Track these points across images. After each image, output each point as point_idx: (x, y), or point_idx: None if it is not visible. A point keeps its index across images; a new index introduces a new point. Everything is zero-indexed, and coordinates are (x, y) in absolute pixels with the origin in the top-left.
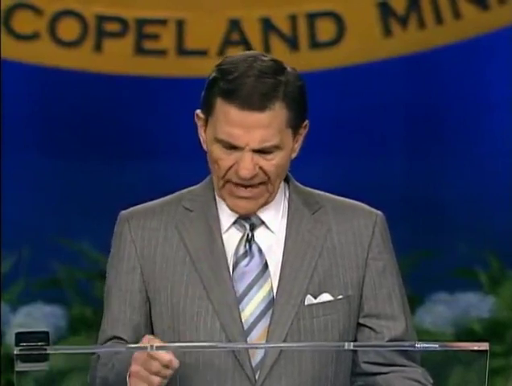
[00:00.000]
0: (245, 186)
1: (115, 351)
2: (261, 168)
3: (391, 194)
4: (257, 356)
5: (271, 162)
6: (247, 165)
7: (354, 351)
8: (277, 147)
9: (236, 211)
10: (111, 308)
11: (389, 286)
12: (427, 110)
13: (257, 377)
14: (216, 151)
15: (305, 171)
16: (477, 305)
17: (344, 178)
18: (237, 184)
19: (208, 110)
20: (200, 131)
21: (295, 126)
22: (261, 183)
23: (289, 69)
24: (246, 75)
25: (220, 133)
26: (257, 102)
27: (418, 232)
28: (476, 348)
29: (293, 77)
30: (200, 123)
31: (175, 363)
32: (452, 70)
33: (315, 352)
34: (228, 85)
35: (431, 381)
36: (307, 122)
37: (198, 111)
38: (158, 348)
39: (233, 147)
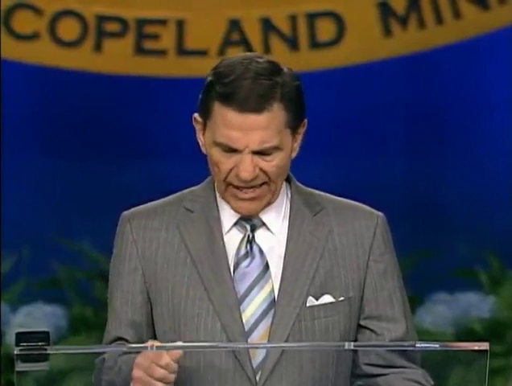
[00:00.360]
0: (248, 188)
1: (115, 350)
2: (261, 169)
3: (391, 194)
4: (257, 357)
5: (271, 164)
6: (247, 167)
7: (355, 353)
8: (276, 148)
9: (240, 213)
10: (114, 309)
11: (390, 288)
12: (427, 110)
13: (257, 378)
14: (216, 155)
15: (305, 171)
16: (478, 305)
17: (344, 178)
18: (238, 187)
19: (206, 114)
20: (199, 135)
21: (293, 126)
22: (263, 183)
23: (285, 70)
24: (243, 77)
25: (219, 137)
26: (254, 104)
27: (418, 232)
28: (476, 348)
29: (289, 78)
30: (198, 127)
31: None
32: (452, 70)
33: (316, 353)
34: (224, 89)
35: (432, 382)
36: (305, 121)
37: (196, 115)
38: (158, 348)
39: (232, 150)
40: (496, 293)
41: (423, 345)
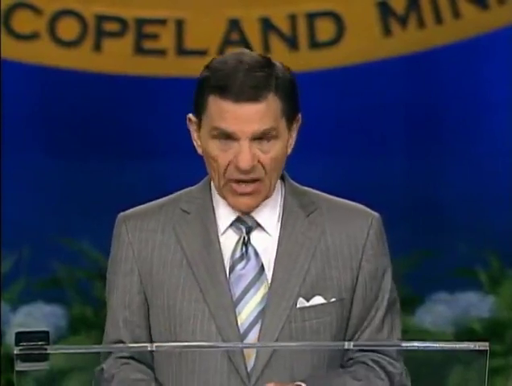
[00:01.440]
0: (247, 182)
1: (115, 350)
2: (258, 161)
3: (391, 194)
4: (252, 360)
5: (268, 156)
6: (246, 155)
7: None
8: (274, 136)
9: (237, 209)
10: (112, 311)
11: (377, 290)
12: (427, 110)
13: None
14: (213, 148)
15: (305, 171)
16: (477, 304)
17: (344, 178)
18: (237, 181)
19: (201, 109)
20: (194, 135)
21: (288, 117)
22: (258, 180)
23: (277, 64)
24: (237, 69)
25: (215, 123)
26: (250, 94)
27: (418, 232)
28: (476, 348)
29: (282, 70)
30: (192, 127)
31: None
32: (451, 70)
33: (308, 354)
34: (220, 82)
35: (397, 371)
36: (299, 116)
37: (190, 115)
38: (158, 347)
39: (229, 137)
40: (496, 292)
41: (422, 345)
